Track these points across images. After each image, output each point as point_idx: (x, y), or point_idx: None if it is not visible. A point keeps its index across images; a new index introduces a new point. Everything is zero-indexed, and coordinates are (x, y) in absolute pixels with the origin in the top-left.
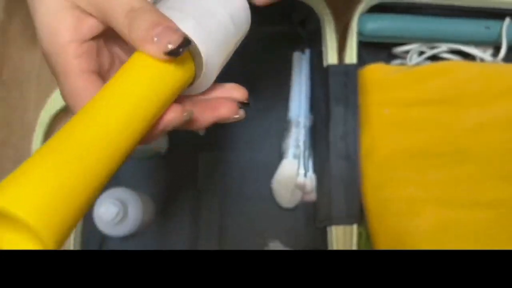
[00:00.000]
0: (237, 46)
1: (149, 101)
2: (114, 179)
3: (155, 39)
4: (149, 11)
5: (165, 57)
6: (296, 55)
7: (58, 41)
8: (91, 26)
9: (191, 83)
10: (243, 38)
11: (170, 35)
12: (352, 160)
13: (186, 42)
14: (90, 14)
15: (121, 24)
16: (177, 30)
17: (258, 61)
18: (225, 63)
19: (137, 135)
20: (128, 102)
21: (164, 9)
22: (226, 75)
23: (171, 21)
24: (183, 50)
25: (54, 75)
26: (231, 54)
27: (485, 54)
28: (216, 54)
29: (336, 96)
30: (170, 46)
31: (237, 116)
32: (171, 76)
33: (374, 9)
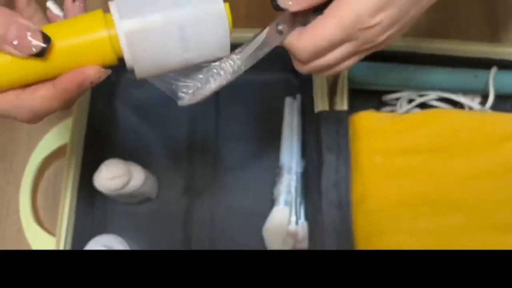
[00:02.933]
0: (197, 62)
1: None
2: (102, 226)
3: (15, 42)
4: None
5: (30, 57)
6: (288, 101)
7: None
8: None
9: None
10: (211, 59)
11: (27, 39)
12: (344, 208)
13: (46, 43)
14: None
15: None
16: (32, 30)
17: (250, 106)
18: (165, 69)
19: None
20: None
21: None
22: (219, 118)
23: (21, 18)
24: (46, 48)
25: None
26: (180, 66)
27: (474, 102)
28: (144, 55)
29: (327, 143)
30: (34, 50)
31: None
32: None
33: (365, 58)
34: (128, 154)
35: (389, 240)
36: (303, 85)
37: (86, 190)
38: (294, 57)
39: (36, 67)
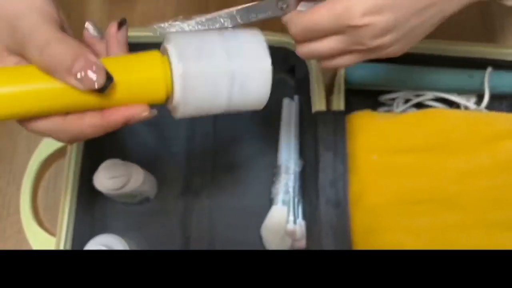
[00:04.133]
0: (244, 110)
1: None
2: (101, 226)
3: (79, 75)
4: (65, 42)
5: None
6: (286, 102)
7: None
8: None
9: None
10: (247, 109)
11: (92, 74)
12: (342, 206)
13: (108, 81)
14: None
15: (38, 61)
16: (98, 67)
17: None
18: (211, 111)
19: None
20: None
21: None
22: (217, 119)
23: (89, 52)
24: (108, 86)
25: None
26: (223, 109)
27: (469, 102)
28: (193, 100)
29: (324, 142)
30: (96, 86)
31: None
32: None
33: None
34: (127, 155)
35: (386, 238)
36: (300, 86)
37: (86, 191)
38: (290, 34)
39: (90, 98)
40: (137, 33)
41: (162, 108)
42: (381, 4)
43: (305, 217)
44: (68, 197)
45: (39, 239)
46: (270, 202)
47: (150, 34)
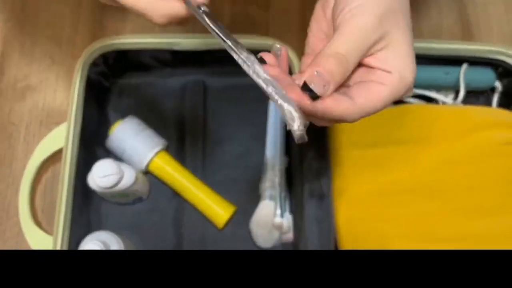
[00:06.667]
0: None
1: None
2: (97, 225)
3: (312, 85)
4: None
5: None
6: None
7: None
8: None
9: None
10: None
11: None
12: (326, 199)
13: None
14: None
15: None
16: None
17: (238, 107)
18: None
19: None
20: None
21: None
22: (207, 119)
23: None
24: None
25: None
26: None
27: (447, 98)
28: None
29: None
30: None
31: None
32: None
33: None
34: (120, 157)
35: (369, 228)
36: None
37: (81, 191)
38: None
39: None
40: (129, 40)
41: (153, 112)
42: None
43: (292, 211)
44: (64, 197)
45: (37, 240)
46: (258, 198)
47: (143, 40)
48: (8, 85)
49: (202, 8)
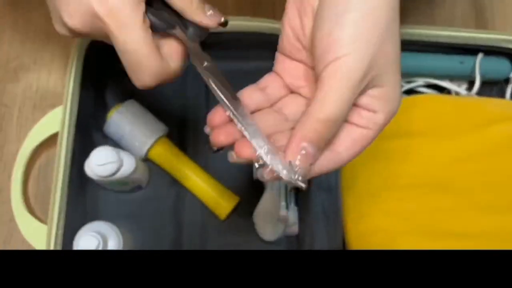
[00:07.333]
0: None
1: None
2: (93, 213)
3: (303, 152)
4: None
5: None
6: None
7: None
8: None
9: None
10: None
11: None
12: (334, 192)
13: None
14: None
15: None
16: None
17: None
18: None
19: None
20: None
21: None
22: (210, 107)
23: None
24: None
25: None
26: None
27: (460, 88)
28: None
29: None
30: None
31: None
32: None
33: None
34: (118, 143)
35: (378, 222)
36: None
37: (77, 178)
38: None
39: None
40: None
41: (155, 97)
42: None
43: (297, 203)
44: (60, 185)
45: (30, 228)
46: (262, 189)
47: None
48: None
49: (205, 63)
